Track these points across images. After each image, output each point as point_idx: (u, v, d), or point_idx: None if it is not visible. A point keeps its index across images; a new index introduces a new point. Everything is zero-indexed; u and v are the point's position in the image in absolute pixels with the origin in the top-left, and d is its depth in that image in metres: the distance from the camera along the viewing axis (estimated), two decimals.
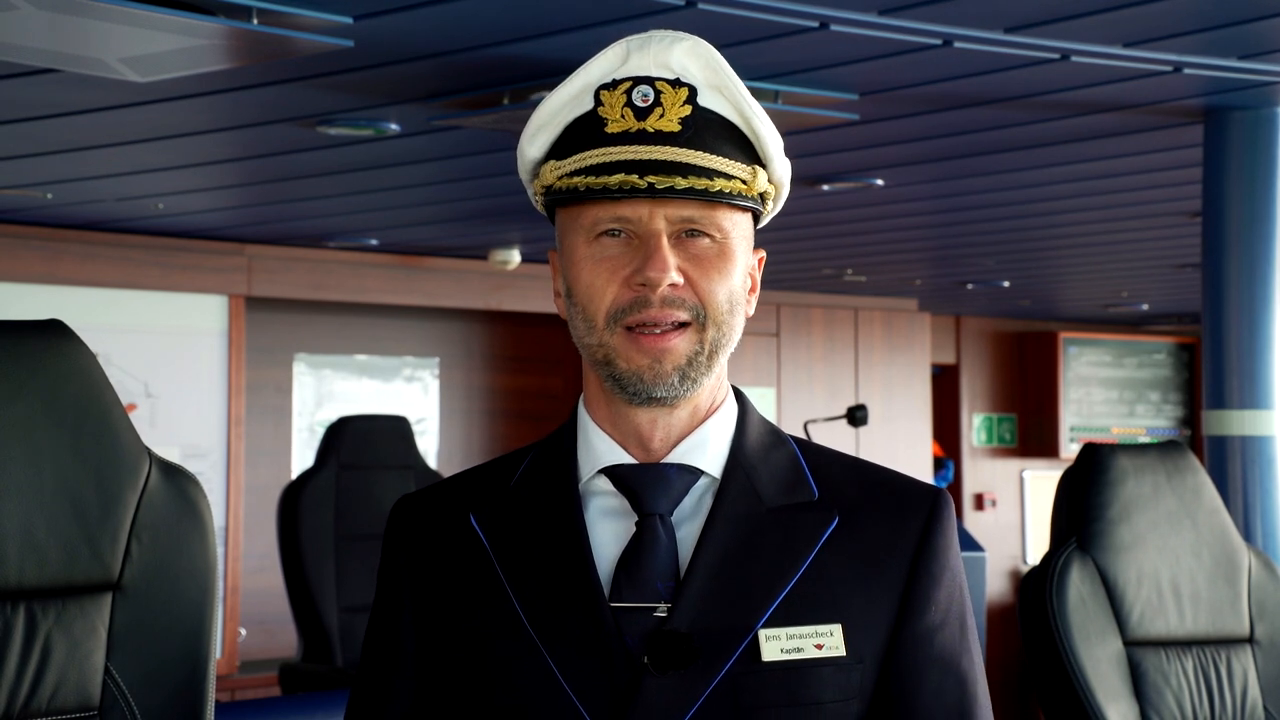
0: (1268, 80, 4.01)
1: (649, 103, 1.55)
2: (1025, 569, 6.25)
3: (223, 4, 3.25)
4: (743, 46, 3.61)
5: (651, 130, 1.54)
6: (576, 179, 1.55)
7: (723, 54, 1.59)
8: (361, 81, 3.96)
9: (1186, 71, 3.89)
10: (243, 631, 7.01)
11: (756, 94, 4.33)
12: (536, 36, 3.56)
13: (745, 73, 3.77)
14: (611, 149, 1.54)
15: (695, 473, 1.60)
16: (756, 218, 1.63)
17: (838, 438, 8.31)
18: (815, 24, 3.46)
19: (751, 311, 1.65)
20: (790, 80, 3.97)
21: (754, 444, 1.63)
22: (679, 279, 1.54)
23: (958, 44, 3.64)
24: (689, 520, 1.58)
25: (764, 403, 8.55)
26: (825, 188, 5.46)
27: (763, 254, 1.66)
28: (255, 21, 3.31)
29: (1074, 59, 3.77)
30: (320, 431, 6.68)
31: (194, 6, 3.24)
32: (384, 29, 3.48)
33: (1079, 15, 3.48)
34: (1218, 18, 3.56)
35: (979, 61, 3.81)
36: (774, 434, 1.66)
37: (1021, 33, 3.60)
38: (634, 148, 1.54)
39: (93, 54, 3.49)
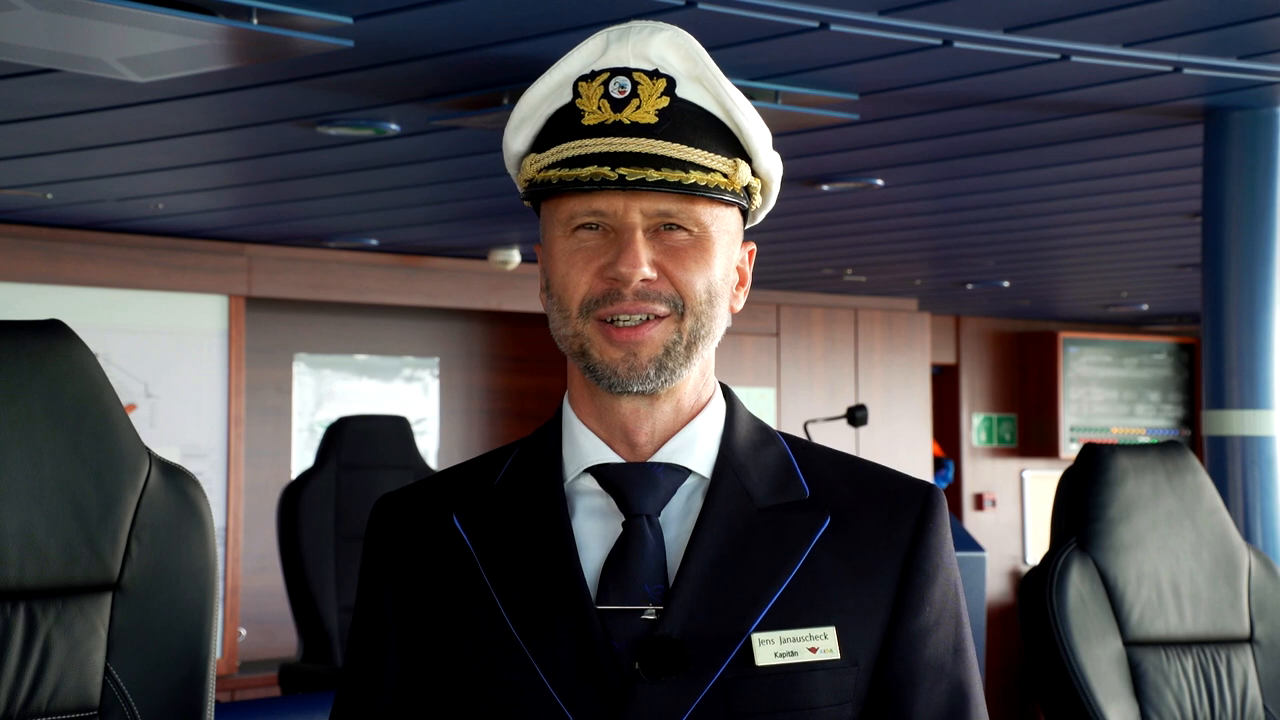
0: (1268, 80, 4.01)
1: (626, 94, 1.52)
2: (1025, 569, 6.25)
3: (223, 4, 3.25)
4: (743, 46, 3.60)
5: (627, 122, 1.51)
6: (550, 172, 1.53)
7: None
8: (361, 81, 3.96)
9: (1186, 71, 3.89)
10: (243, 631, 7.01)
11: (756, 94, 4.30)
12: (536, 36, 3.56)
13: (745, 73, 3.77)
14: (586, 141, 1.51)
15: (683, 472, 1.57)
16: (744, 213, 1.60)
17: (838, 438, 8.31)
18: (815, 24, 3.46)
19: (739, 307, 1.62)
20: (790, 80, 3.97)
21: (743, 442, 1.60)
22: (652, 274, 1.51)
23: (958, 44, 3.64)
24: (677, 521, 1.55)
25: (764, 403, 8.55)
26: (825, 188, 5.46)
27: (752, 246, 1.63)
28: (255, 21, 3.31)
29: (1074, 59, 3.77)
30: (320, 431, 6.68)
31: (194, 6, 3.24)
32: (384, 29, 3.48)
33: (1079, 15, 3.48)
34: (1218, 18, 3.56)
35: (979, 61, 3.81)
36: (763, 431, 1.63)
37: (1021, 33, 3.60)
38: (609, 140, 1.51)
39: (93, 54, 3.49)
